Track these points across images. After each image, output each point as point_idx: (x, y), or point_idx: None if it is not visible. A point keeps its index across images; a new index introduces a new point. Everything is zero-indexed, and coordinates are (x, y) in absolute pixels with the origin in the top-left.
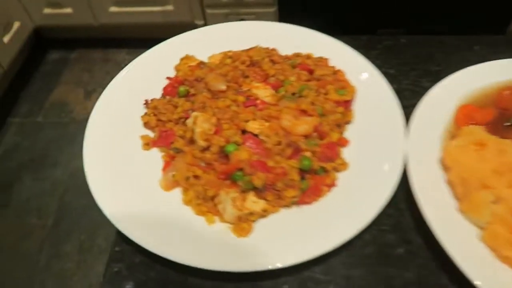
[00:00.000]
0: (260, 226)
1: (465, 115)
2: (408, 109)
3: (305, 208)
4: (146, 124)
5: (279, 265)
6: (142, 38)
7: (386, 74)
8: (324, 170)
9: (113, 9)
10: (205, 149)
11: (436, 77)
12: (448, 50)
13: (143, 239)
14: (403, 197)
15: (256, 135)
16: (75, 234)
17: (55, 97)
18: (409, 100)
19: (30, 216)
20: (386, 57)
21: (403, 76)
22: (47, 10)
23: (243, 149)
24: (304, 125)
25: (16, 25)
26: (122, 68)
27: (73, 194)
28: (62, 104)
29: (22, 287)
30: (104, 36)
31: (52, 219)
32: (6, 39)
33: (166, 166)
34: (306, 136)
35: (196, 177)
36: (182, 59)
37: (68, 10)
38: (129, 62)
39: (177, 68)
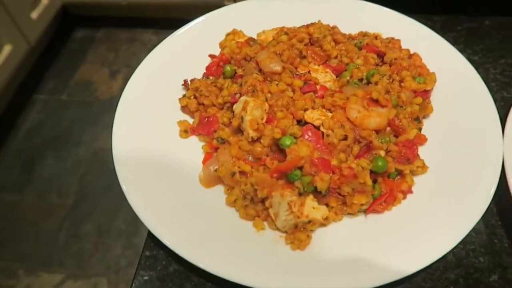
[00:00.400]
0: (319, 236)
1: None
2: (497, 103)
3: (374, 218)
4: (185, 108)
5: (342, 287)
6: (169, 18)
7: (469, 62)
8: (399, 173)
9: None
10: (255, 140)
11: None
12: None
13: (178, 245)
14: (496, 211)
15: (316, 127)
16: (94, 215)
17: (80, 76)
18: (498, 92)
19: (51, 195)
20: (467, 42)
21: (490, 64)
22: None
23: (302, 143)
24: (376, 118)
25: (45, 1)
26: (149, 49)
27: (94, 174)
28: (86, 83)
29: (40, 265)
30: (131, 15)
31: (72, 199)
32: (34, 15)
33: (207, 158)
34: (378, 132)
35: (243, 173)
36: (228, 35)
37: None
38: (156, 44)
39: (222, 45)
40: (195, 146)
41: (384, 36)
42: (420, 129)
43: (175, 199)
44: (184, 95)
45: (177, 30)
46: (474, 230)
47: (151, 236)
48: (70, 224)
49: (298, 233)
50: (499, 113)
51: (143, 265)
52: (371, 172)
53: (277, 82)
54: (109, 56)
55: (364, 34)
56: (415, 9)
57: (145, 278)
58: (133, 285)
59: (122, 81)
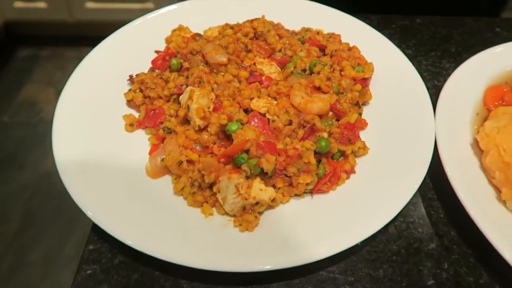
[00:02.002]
0: (267, 218)
1: (495, 97)
2: (429, 90)
3: (320, 198)
4: (130, 102)
5: (291, 264)
6: None
7: (404, 54)
8: (342, 154)
9: (90, 5)
10: (202, 129)
11: (458, 59)
12: (467, 31)
13: (125, 234)
14: (431, 185)
15: (262, 115)
16: (41, 241)
17: (24, 96)
18: (430, 81)
19: None
20: (402, 37)
21: (422, 57)
22: (18, 4)
23: (248, 128)
24: (319, 103)
25: None
26: None
27: (41, 198)
28: (31, 103)
29: None
30: (79, 33)
31: (16, 226)
32: None
33: (154, 150)
34: (321, 116)
35: (190, 162)
36: (174, 31)
37: (42, 4)
38: None
39: (168, 40)
40: (141, 139)
41: (326, 32)
42: (360, 114)
43: (121, 192)
44: (129, 90)
45: (120, 28)
46: (412, 204)
47: (94, 230)
48: (14, 253)
49: (246, 215)
50: (431, 98)
51: (86, 259)
52: (315, 153)
53: (223, 73)
54: (56, 75)
55: (307, 30)
56: (353, 9)
57: (88, 272)
58: (75, 281)
59: None
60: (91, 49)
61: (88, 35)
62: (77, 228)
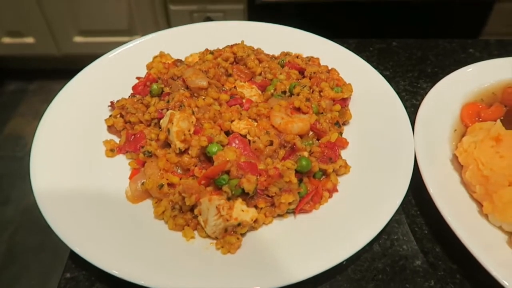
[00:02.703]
0: (250, 240)
1: (471, 113)
2: (408, 109)
3: (303, 217)
4: (111, 128)
5: (275, 285)
6: None
7: (382, 76)
8: (324, 173)
9: (78, 39)
10: (183, 152)
11: (434, 78)
12: (442, 52)
13: (105, 262)
14: (414, 202)
15: (243, 136)
16: (24, 278)
17: (10, 130)
18: (408, 101)
19: None
20: (379, 59)
21: (400, 78)
22: (6, 40)
23: (229, 149)
24: (299, 123)
25: None
26: None
27: (24, 233)
28: (17, 137)
29: None
30: (67, 67)
31: None
32: None
33: (134, 174)
34: (302, 136)
35: (171, 185)
36: (155, 57)
37: (30, 39)
38: None
39: (149, 66)
40: (121, 164)
41: (305, 56)
42: (341, 133)
43: (101, 218)
44: (110, 115)
45: (101, 57)
46: (396, 221)
47: (72, 258)
48: None
49: (228, 236)
50: (410, 117)
51: (63, 287)
52: (297, 172)
53: (203, 97)
54: (43, 108)
55: (286, 54)
56: (331, 35)
57: None
58: None
59: None
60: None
61: (76, 68)
62: (61, 263)
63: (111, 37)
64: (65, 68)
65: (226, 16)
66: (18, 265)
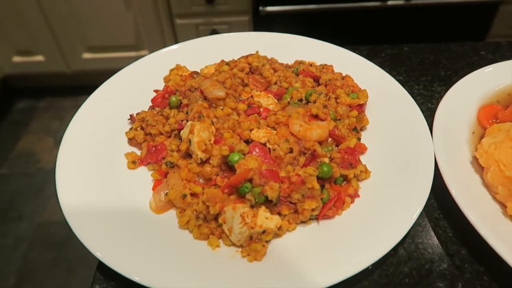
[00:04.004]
0: (275, 247)
1: (488, 115)
2: (424, 113)
3: (326, 223)
4: (132, 141)
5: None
6: None
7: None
8: (345, 179)
9: (87, 55)
10: (204, 162)
11: (448, 82)
12: (454, 55)
13: (133, 272)
14: (436, 205)
15: (263, 144)
16: None
17: (22, 147)
18: (423, 104)
19: None
20: (392, 65)
21: (414, 82)
22: (16, 59)
23: (250, 158)
24: (317, 130)
25: None
26: None
27: (38, 249)
28: (29, 154)
29: None
30: (76, 83)
31: (13, 280)
32: None
33: (157, 185)
34: (321, 143)
35: (194, 195)
36: (172, 70)
37: (40, 57)
38: None
39: (166, 79)
40: (144, 176)
41: (318, 64)
42: (359, 139)
43: (127, 230)
44: (130, 128)
45: (117, 73)
46: (419, 225)
47: (100, 269)
48: None
49: (253, 244)
50: (426, 121)
51: None
52: (318, 178)
53: (222, 107)
54: (54, 124)
55: (300, 62)
56: (342, 42)
57: None
58: None
59: None
60: (86, 98)
61: (85, 84)
62: (75, 279)
63: (118, 53)
64: (74, 84)
65: (231, 28)
66: (33, 281)
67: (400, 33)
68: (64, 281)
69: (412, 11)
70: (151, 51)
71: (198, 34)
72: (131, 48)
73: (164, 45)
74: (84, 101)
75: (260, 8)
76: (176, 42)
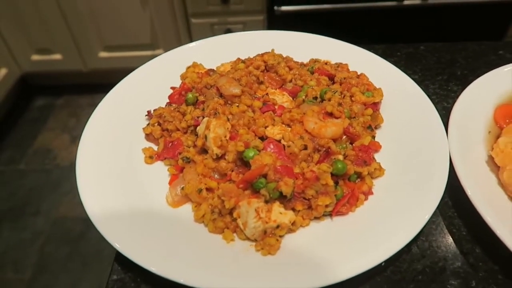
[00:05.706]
0: (288, 242)
1: (505, 115)
2: (439, 112)
3: (339, 220)
4: (149, 136)
5: (317, 284)
6: None
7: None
8: (359, 176)
9: (103, 54)
10: (220, 157)
11: (464, 81)
12: (471, 55)
13: (150, 263)
14: (451, 204)
15: (277, 141)
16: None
17: (39, 144)
18: (438, 103)
19: (7, 270)
20: (407, 64)
21: (429, 81)
22: (35, 57)
23: (265, 154)
24: (332, 127)
25: (3, 72)
26: None
27: (54, 244)
28: (46, 150)
29: None
30: (92, 81)
31: (30, 273)
32: None
33: (173, 179)
34: (335, 140)
35: (209, 190)
36: (188, 67)
37: (58, 56)
38: None
39: (183, 76)
40: (160, 170)
41: (333, 62)
42: (373, 137)
43: (144, 222)
44: (148, 124)
45: (135, 70)
46: (433, 223)
47: (118, 260)
48: None
49: (267, 238)
50: (442, 120)
51: None
52: (332, 175)
53: (237, 104)
54: (70, 122)
55: (315, 60)
56: (357, 41)
57: None
58: None
59: None
60: (104, 96)
61: (101, 82)
62: (90, 273)
63: (134, 52)
64: (90, 83)
65: (246, 27)
66: (48, 275)
67: (417, 32)
68: (78, 275)
69: (429, 10)
70: (167, 50)
71: (213, 34)
72: (147, 47)
73: (180, 44)
74: (100, 99)
75: (275, 7)
76: (191, 41)
